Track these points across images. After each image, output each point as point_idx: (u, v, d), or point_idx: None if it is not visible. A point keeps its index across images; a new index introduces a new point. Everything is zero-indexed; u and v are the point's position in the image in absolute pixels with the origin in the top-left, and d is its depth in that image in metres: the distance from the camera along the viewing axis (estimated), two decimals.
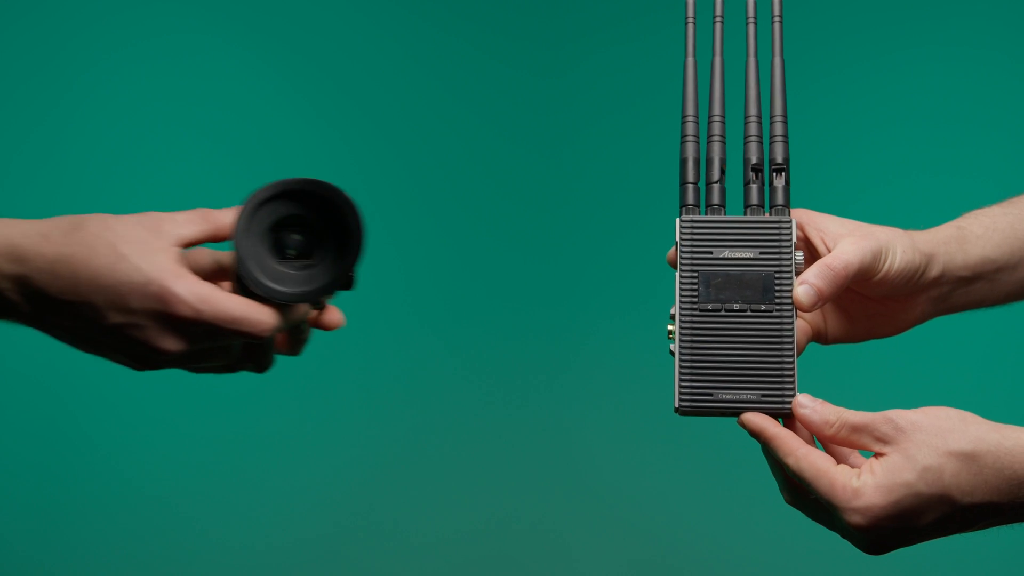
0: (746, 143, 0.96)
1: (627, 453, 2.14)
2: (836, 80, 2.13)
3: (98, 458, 2.01)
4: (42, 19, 2.02)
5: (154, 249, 0.83)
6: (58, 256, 0.83)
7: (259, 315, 0.84)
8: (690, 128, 0.96)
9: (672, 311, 0.92)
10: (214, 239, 0.87)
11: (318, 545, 2.06)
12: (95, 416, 2.01)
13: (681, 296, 0.92)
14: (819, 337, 1.00)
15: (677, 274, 0.93)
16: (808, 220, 0.96)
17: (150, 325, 0.83)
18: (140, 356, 0.85)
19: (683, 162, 0.96)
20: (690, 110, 0.96)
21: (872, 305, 0.99)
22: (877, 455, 0.85)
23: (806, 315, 0.99)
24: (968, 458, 0.83)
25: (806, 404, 0.89)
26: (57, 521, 1.99)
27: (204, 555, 2.03)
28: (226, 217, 0.86)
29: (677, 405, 0.91)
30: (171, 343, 0.84)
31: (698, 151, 0.96)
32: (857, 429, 0.86)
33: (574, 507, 2.12)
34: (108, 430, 2.01)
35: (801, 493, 0.89)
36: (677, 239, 0.93)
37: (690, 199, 0.95)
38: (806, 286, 0.91)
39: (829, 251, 0.94)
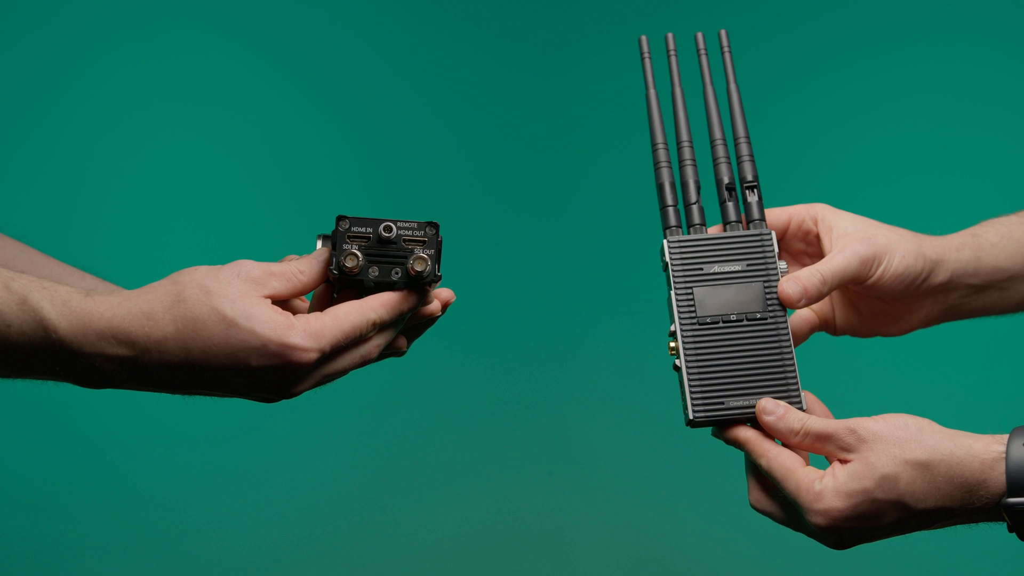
0: (716, 165, 1.03)
1: (627, 453, 2.14)
2: (836, 80, 2.13)
3: (98, 457, 2.01)
4: (42, 20, 2.02)
5: (259, 305, 0.83)
6: (165, 336, 0.84)
7: (375, 302, 0.86)
8: (661, 155, 1.04)
9: (672, 328, 0.96)
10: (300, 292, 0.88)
11: (318, 545, 2.06)
12: (95, 415, 2.00)
13: (679, 313, 0.96)
14: (828, 327, 1.04)
15: (672, 293, 0.97)
16: (822, 215, 1.00)
17: (277, 377, 0.84)
18: (271, 397, 0.86)
19: (659, 187, 1.03)
20: (659, 138, 1.06)
21: (877, 304, 1.02)
22: (841, 460, 0.90)
23: (815, 305, 1.03)
24: (923, 467, 0.87)
25: (770, 411, 0.93)
26: (57, 521, 1.99)
27: (204, 555, 2.03)
28: (311, 274, 0.87)
29: (691, 417, 0.95)
30: (303, 385, 0.85)
31: (672, 176, 1.03)
32: (821, 438, 0.91)
33: (574, 507, 2.12)
34: (108, 429, 2.01)
35: (772, 493, 0.95)
36: (667, 260, 0.98)
37: (672, 220, 1.01)
38: (793, 283, 0.95)
39: (830, 251, 0.98)
